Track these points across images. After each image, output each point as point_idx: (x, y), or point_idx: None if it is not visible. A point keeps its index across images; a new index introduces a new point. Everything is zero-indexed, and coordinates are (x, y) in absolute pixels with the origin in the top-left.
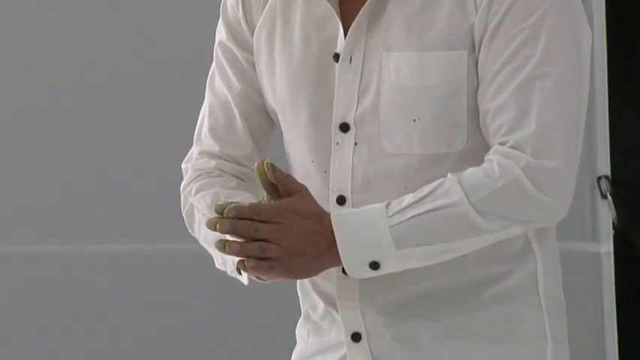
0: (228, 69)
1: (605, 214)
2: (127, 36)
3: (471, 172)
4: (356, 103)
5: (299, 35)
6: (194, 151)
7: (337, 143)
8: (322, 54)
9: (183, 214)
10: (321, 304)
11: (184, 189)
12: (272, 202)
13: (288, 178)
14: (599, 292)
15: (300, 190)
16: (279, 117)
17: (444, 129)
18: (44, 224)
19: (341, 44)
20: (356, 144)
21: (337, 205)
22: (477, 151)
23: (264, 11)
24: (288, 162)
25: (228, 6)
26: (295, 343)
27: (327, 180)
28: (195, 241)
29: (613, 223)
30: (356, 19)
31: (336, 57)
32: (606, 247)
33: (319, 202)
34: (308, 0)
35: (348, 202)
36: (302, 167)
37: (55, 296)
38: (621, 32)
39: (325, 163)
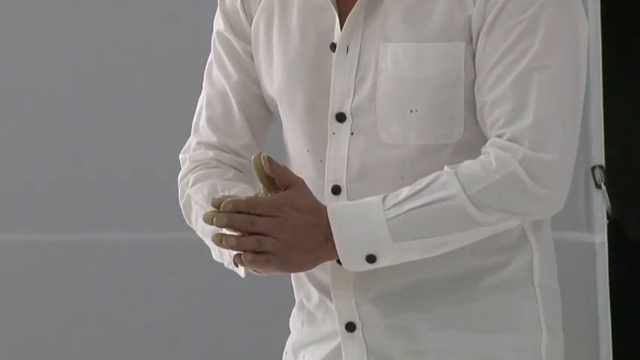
0: (225, 59)
1: (600, 204)
2: (125, 24)
3: (468, 165)
4: (352, 93)
5: (296, 25)
6: (192, 141)
7: (333, 133)
8: (319, 44)
9: (181, 205)
10: (315, 294)
11: (182, 180)
12: (269, 195)
13: (285, 171)
14: (593, 283)
15: (297, 183)
16: (278, 107)
17: (441, 120)
18: (44, 213)
19: (337, 34)
20: (352, 134)
21: (332, 195)
22: (473, 142)
23: (263, 1)
24: (286, 151)
25: None
26: (289, 333)
27: (322, 170)
28: (191, 231)
29: (607, 213)
30: (352, 9)
31: (333, 47)
32: (600, 238)
33: (314, 191)
34: None
35: (343, 192)
36: (298, 157)
37: (56, 285)
38: (616, 23)
39: (321, 152)
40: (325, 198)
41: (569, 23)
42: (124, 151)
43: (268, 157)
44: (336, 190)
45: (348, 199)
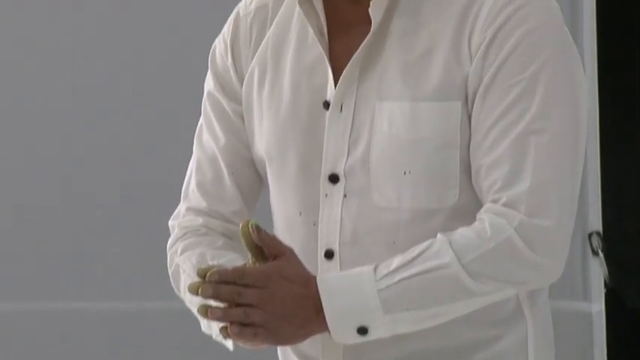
0: (215, 122)
1: (597, 271)
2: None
3: (462, 233)
4: (346, 153)
5: (289, 81)
6: (181, 207)
7: (326, 195)
8: (312, 101)
9: (170, 274)
10: None
11: (170, 248)
12: (257, 264)
13: (274, 240)
14: (591, 354)
15: (286, 253)
16: (267, 167)
17: (435, 182)
18: (30, 281)
19: (331, 92)
20: (345, 196)
21: (325, 260)
22: (469, 207)
23: (255, 58)
24: (273, 215)
25: (217, 55)
26: None
27: (315, 233)
28: (179, 300)
29: (605, 281)
30: (347, 65)
31: (326, 105)
32: (597, 306)
33: (305, 256)
34: (299, 44)
35: (336, 256)
36: (288, 219)
37: (41, 354)
38: (613, 86)
39: (314, 215)
40: (318, 262)
41: (568, 84)
42: (113, 217)
43: (257, 226)
44: (329, 255)
45: (341, 263)
